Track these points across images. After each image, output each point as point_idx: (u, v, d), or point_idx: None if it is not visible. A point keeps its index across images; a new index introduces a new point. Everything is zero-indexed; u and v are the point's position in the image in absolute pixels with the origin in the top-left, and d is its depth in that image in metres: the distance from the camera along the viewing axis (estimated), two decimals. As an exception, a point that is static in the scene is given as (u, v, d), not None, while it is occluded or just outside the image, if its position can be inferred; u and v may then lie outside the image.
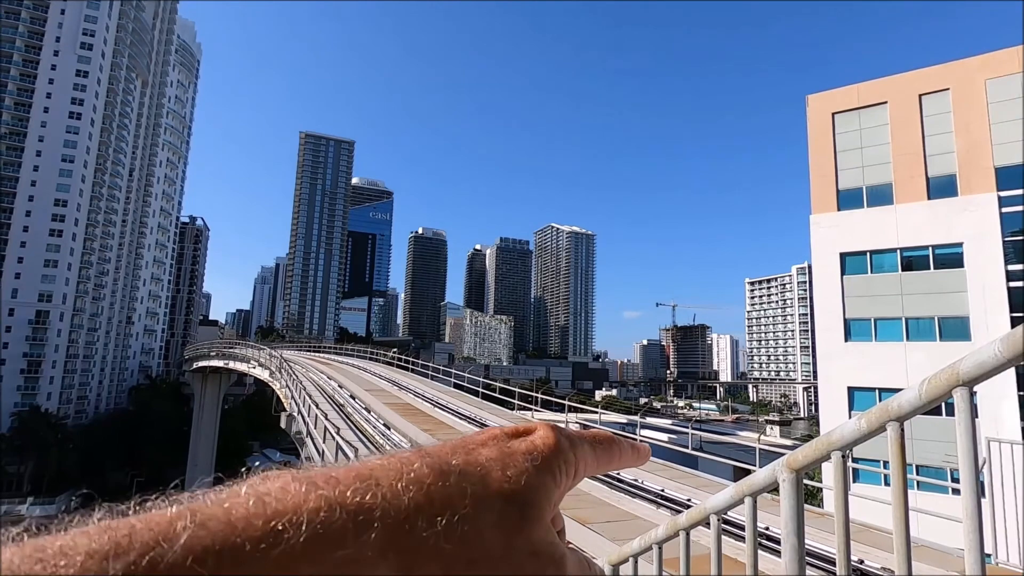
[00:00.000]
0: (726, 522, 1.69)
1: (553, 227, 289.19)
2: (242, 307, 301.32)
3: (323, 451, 15.48)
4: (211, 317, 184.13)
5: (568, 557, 0.42)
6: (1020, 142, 26.66)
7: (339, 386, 28.60)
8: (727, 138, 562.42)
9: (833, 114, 31.80)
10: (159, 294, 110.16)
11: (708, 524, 1.69)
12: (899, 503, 1.13)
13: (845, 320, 29.39)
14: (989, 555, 7.16)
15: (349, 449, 13.39)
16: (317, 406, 18.68)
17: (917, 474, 21.63)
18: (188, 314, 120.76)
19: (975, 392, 1.07)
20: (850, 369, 28.55)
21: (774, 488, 1.50)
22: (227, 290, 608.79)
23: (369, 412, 21.40)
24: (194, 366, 68.60)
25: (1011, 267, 25.92)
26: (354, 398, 24.79)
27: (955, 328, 26.48)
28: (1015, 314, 24.87)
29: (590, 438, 0.52)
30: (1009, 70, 27.34)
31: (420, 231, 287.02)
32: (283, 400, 26.33)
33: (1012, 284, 25.70)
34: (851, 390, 28.26)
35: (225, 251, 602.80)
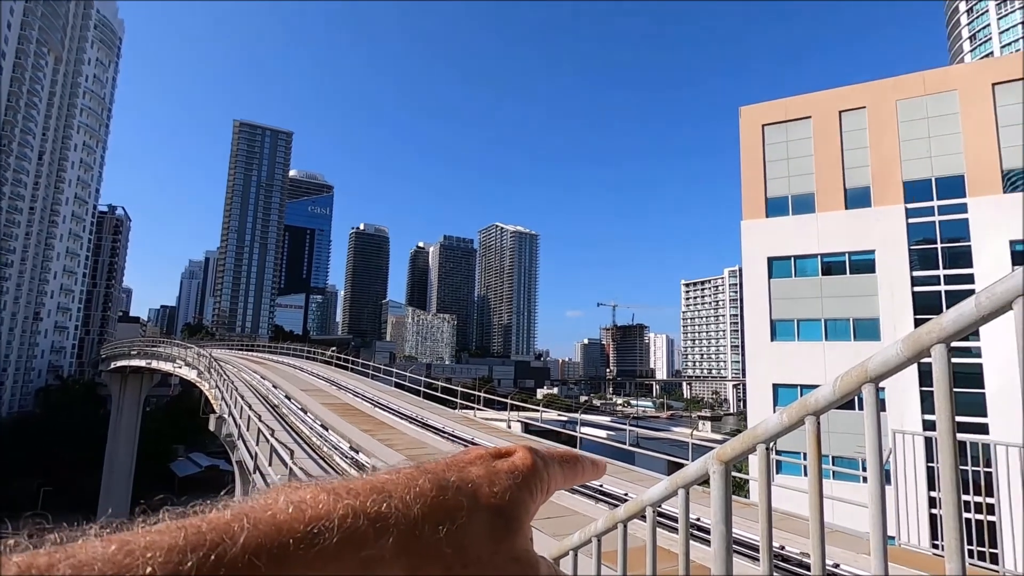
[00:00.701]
0: (660, 514, 1.77)
1: (498, 226, 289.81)
2: (167, 303, 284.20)
3: (256, 454, 14.83)
4: (132, 313, 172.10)
5: (541, 563, 0.50)
6: (925, 159, 29.17)
7: (273, 386, 27.51)
8: (668, 145, 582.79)
9: (763, 126, 33.58)
10: (72, 288, 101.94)
11: (644, 516, 1.76)
12: (815, 491, 1.23)
13: (771, 321, 31.14)
14: (893, 537, 7.80)
15: (284, 451, 12.89)
16: (250, 407, 17.87)
17: (833, 464, 23.23)
18: (106, 310, 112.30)
19: (882, 388, 1.18)
20: (775, 367, 30.28)
21: (705, 480, 1.58)
22: (151, 285, 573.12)
23: (306, 413, 20.71)
24: (112, 366, 63.90)
25: (915, 273, 28.31)
26: (289, 398, 23.92)
27: (867, 329, 28.64)
28: (918, 316, 27.20)
29: (559, 457, 0.59)
30: (916, 92, 29.84)
31: (361, 227, 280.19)
32: (212, 401, 25.04)
33: (916, 289, 28.09)
34: (775, 387, 29.98)
35: (149, 243, 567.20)
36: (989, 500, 7.28)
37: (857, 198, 30.44)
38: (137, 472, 63.11)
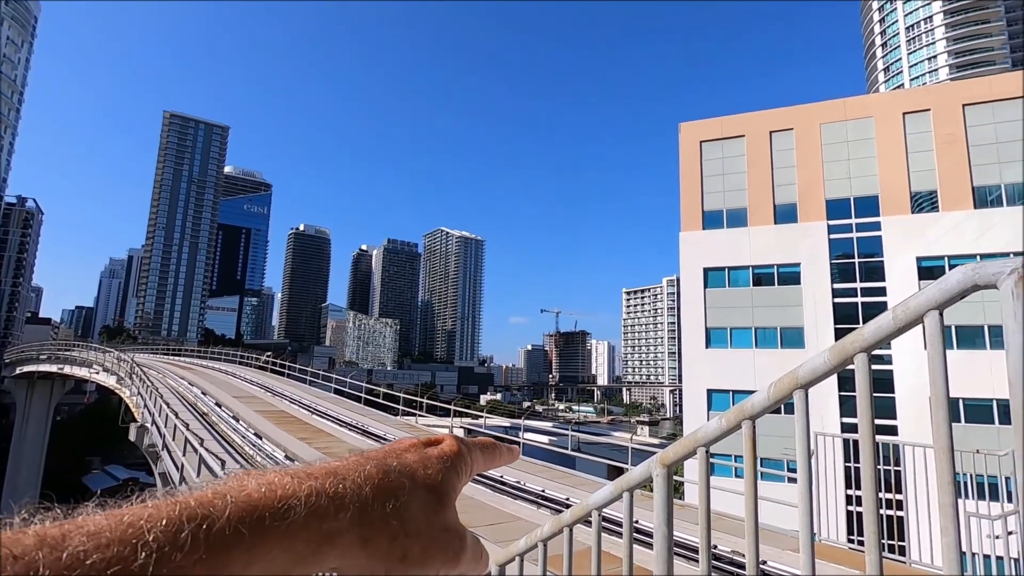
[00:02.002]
0: (604, 519, 1.81)
1: (443, 231, 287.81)
2: (84, 304, 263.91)
3: (182, 465, 13.98)
4: (43, 314, 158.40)
5: (467, 533, 0.60)
6: (845, 179, 31.37)
7: (203, 393, 26.09)
8: (614, 156, 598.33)
9: (701, 142, 35.11)
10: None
11: (589, 521, 1.80)
12: (751, 492, 1.30)
13: (706, 328, 32.48)
14: (816, 534, 8.29)
15: (215, 462, 12.21)
16: (176, 416, 16.85)
17: (761, 466, 24.44)
18: (11, 311, 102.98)
19: (808, 392, 1.27)
20: (709, 373, 31.57)
21: (647, 484, 1.64)
22: (65, 284, 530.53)
23: (238, 421, 19.75)
24: (17, 371, 58.55)
25: (836, 285, 30.34)
26: (220, 406, 22.74)
27: (793, 337, 30.39)
28: (838, 326, 29.13)
29: (479, 445, 0.71)
30: (838, 117, 32.09)
31: (301, 227, 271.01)
32: (133, 409, 23.42)
33: (836, 300, 30.10)
34: (710, 392, 31.25)
35: (64, 239, 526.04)
36: (898, 497, 7.89)
37: (785, 214, 32.34)
38: (45, 487, 58.02)
